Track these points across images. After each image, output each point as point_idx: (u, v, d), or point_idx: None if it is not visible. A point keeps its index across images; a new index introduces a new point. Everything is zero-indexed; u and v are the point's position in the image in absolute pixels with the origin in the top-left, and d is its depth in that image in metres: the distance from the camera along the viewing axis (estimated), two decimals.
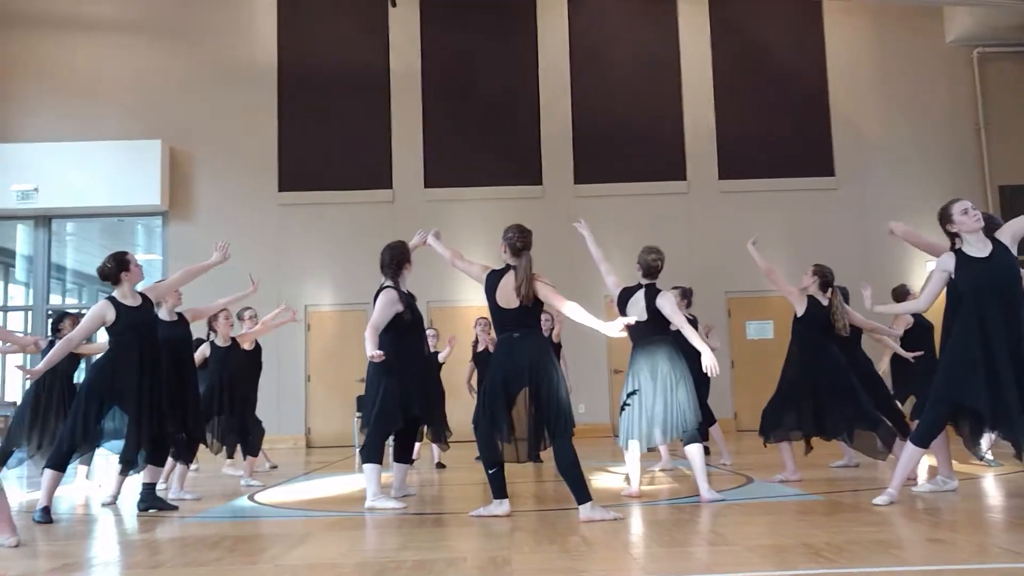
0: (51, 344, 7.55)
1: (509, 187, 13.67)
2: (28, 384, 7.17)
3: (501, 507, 5.04)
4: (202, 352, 7.51)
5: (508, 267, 5.04)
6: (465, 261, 5.45)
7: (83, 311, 12.39)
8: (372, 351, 5.37)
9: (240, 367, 7.60)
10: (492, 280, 5.07)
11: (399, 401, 5.63)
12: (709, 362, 5.20)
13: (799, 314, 6.43)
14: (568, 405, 4.93)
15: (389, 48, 14.02)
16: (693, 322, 7.48)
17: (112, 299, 5.61)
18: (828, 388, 6.25)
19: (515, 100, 13.99)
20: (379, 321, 5.61)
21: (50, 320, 9.46)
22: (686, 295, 7.73)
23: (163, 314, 6.37)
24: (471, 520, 4.99)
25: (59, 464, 5.47)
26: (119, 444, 5.59)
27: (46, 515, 5.36)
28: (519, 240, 5.03)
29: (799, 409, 6.38)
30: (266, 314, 8.38)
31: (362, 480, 6.14)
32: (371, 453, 5.67)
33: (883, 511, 4.83)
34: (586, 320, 4.87)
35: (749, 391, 12.68)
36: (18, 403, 8.16)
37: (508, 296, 4.96)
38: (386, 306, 5.64)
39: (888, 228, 5.60)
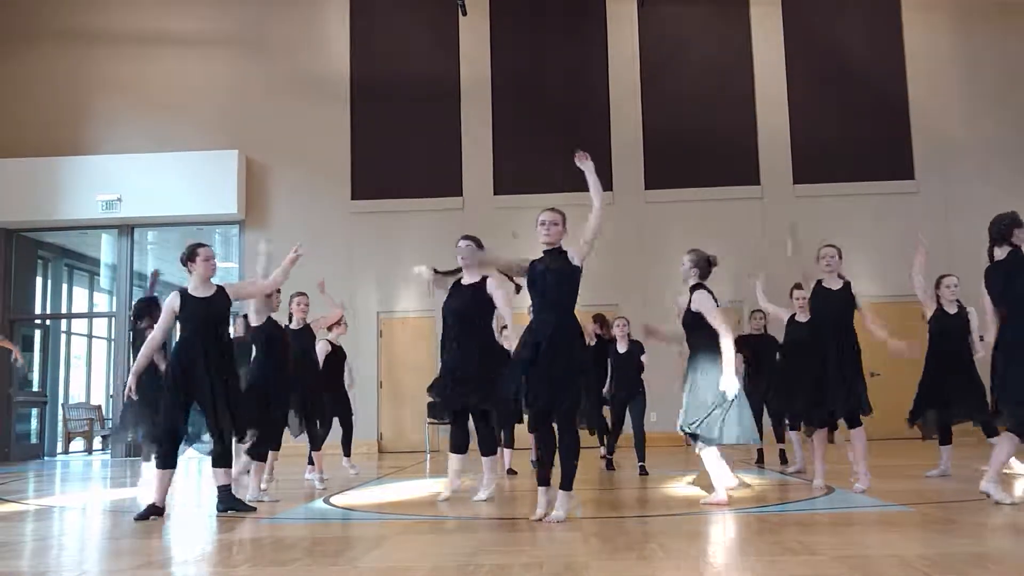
0: (132, 328, 7.81)
1: (578, 193, 13.36)
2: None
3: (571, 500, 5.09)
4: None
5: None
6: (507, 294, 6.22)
7: None
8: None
9: (310, 350, 7.73)
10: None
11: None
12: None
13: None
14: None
15: (459, 57, 14.10)
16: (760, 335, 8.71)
17: (183, 290, 5.71)
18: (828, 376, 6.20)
19: (585, 106, 13.93)
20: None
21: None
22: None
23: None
24: (546, 525, 4.94)
25: (166, 463, 5.54)
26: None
27: (153, 511, 5.44)
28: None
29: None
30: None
31: (433, 485, 6.14)
32: (492, 443, 6.22)
33: (974, 525, 4.62)
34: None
35: None
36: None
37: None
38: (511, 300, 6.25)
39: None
